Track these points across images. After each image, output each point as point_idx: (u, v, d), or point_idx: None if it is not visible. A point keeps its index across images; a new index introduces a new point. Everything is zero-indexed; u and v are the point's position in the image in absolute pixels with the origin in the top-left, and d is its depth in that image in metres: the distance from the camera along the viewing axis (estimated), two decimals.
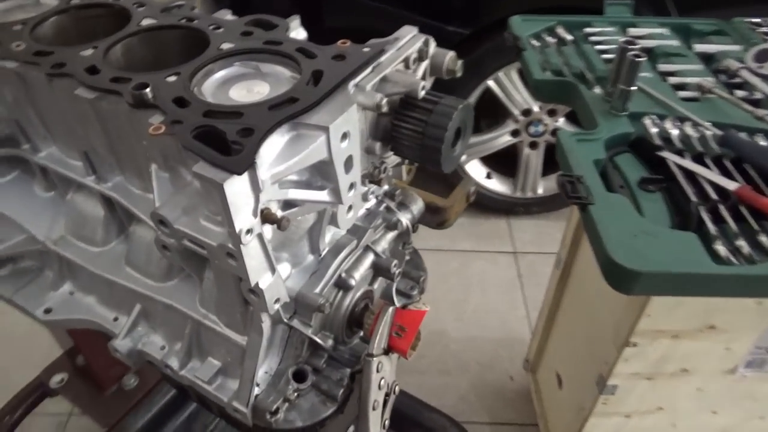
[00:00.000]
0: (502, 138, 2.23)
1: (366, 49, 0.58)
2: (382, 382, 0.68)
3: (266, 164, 0.49)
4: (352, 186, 0.58)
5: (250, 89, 0.57)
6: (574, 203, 0.82)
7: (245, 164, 0.45)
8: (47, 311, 0.74)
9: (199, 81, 0.57)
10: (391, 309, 0.68)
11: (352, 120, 0.52)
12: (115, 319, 0.73)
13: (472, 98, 2.09)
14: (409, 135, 0.60)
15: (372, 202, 0.74)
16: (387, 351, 0.68)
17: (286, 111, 0.50)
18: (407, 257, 0.79)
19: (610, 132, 0.96)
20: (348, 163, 0.55)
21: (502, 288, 2.21)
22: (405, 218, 0.75)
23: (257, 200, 0.48)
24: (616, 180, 0.90)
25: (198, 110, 0.50)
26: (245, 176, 0.46)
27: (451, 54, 0.65)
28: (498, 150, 2.24)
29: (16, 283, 0.77)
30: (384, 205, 0.74)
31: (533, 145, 2.22)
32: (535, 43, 1.22)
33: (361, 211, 0.72)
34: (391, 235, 0.73)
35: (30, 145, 0.69)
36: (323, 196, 0.55)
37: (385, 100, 0.55)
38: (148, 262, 0.67)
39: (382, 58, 0.58)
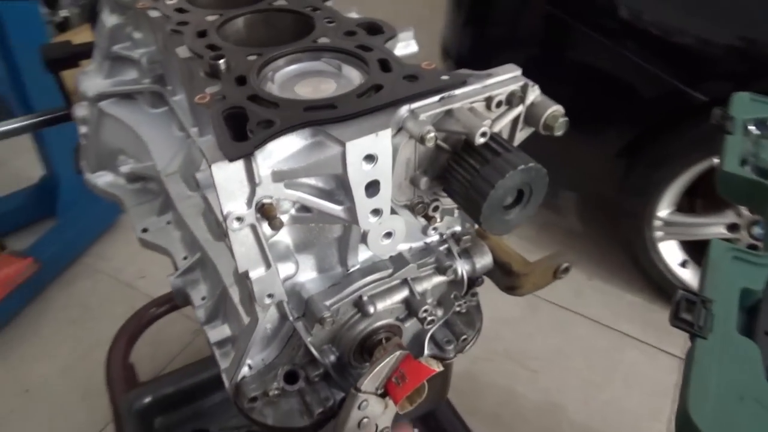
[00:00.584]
0: (715, 228, 1.90)
1: (444, 77, 0.53)
2: (365, 421, 0.63)
3: (273, 160, 0.48)
4: (377, 212, 0.54)
5: (317, 87, 0.56)
6: (680, 327, 0.65)
7: (240, 153, 0.45)
8: (144, 230, 0.84)
9: (278, 67, 0.58)
10: (399, 353, 0.62)
11: (382, 144, 0.49)
12: (184, 258, 0.80)
13: (691, 173, 1.81)
14: (458, 180, 0.53)
15: (433, 238, 0.68)
16: (383, 394, 0.64)
17: (318, 114, 0.49)
18: (459, 309, 0.72)
19: None
20: (372, 187, 0.51)
21: (650, 391, 1.90)
22: (462, 267, 0.68)
23: (253, 192, 0.48)
24: (766, 323, 0.70)
25: (246, 92, 0.52)
26: (239, 165, 0.46)
27: (554, 108, 0.56)
28: (703, 239, 1.91)
29: (138, 198, 0.90)
30: (445, 246, 0.68)
31: (752, 248, 1.83)
32: (753, 129, 0.99)
33: (417, 244, 0.67)
34: (439, 279, 0.67)
35: (171, 87, 0.78)
36: (337, 211, 0.53)
37: (432, 134, 0.49)
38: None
39: (458, 91, 0.53)
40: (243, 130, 0.48)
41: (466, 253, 0.69)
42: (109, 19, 0.83)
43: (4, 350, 2.02)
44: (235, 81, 0.53)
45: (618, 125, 1.99)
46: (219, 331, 0.69)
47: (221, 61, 0.55)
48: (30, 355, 2.02)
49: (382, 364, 0.61)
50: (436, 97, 0.52)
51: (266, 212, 0.49)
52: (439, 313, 0.72)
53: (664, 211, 1.94)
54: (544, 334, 2.08)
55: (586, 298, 2.20)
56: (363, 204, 0.52)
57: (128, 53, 0.82)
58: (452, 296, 0.70)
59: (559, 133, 0.57)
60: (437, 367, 0.62)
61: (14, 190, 2.46)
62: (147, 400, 1.33)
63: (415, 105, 0.51)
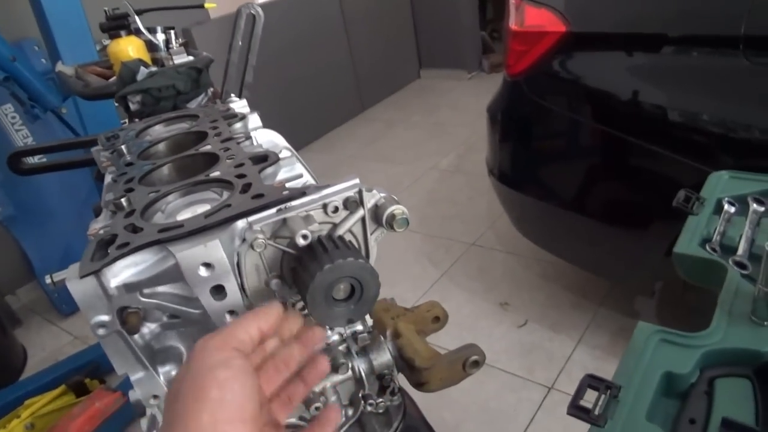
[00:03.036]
0: None
1: (285, 192, 0.62)
2: None
3: (126, 274, 0.58)
4: (234, 313, 0.61)
5: (195, 212, 0.67)
6: (575, 416, 0.61)
7: (88, 270, 0.55)
8: None
9: (173, 199, 0.71)
10: None
11: (214, 252, 0.57)
12: None
13: None
14: (295, 277, 0.59)
15: (334, 338, 0.73)
16: None
17: (167, 234, 0.59)
18: (373, 409, 0.73)
19: (725, 342, 0.67)
20: (218, 291, 0.59)
21: None
22: (360, 366, 0.71)
23: (110, 302, 0.57)
24: (692, 410, 0.63)
25: (126, 222, 0.64)
26: (91, 280, 0.56)
27: (394, 207, 0.62)
28: None
29: None
30: (345, 345, 0.72)
31: None
32: (727, 207, 0.94)
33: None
34: (336, 377, 0.70)
35: None
36: (195, 315, 0.60)
37: (259, 240, 0.57)
38: None
39: (295, 202, 0.61)
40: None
41: (364, 351, 0.72)
42: (106, 178, 1.03)
43: None
44: (125, 215, 0.66)
45: (664, 223, 1.90)
46: None
47: (123, 200, 0.68)
48: None
49: None
50: (274, 210, 0.61)
51: (125, 319, 0.58)
52: (350, 412, 0.73)
53: None
54: None
55: None
56: (212, 306, 0.59)
57: None
58: (360, 395, 0.72)
59: (399, 229, 0.63)
60: None
61: None
62: None
63: (253, 218, 0.60)
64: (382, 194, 0.64)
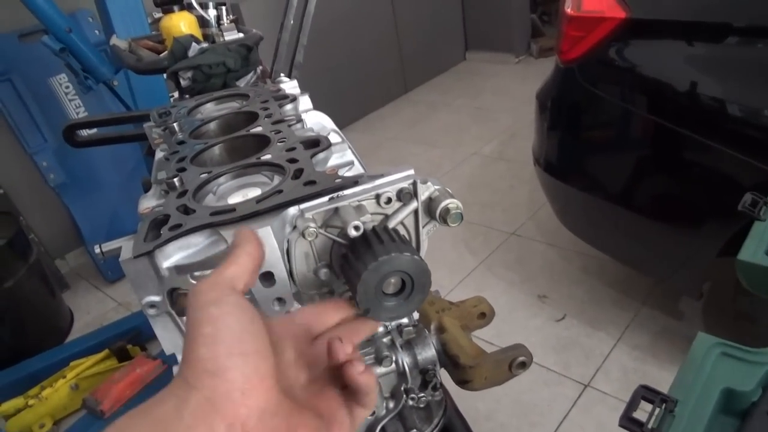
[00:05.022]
0: None
1: (338, 180, 0.61)
2: None
3: (178, 256, 0.58)
4: (281, 301, 0.60)
5: (245, 195, 0.67)
6: (628, 428, 0.59)
7: (141, 251, 0.56)
8: None
9: (225, 181, 0.70)
10: None
11: (263, 239, 0.56)
12: None
13: None
14: (344, 268, 0.58)
15: (378, 329, 0.72)
16: None
17: (219, 218, 0.58)
18: (414, 403, 0.72)
19: None
20: (267, 279, 0.58)
21: None
22: (404, 359, 0.69)
23: (161, 283, 0.58)
24: (752, 431, 0.59)
25: (178, 203, 0.64)
26: (144, 260, 0.56)
27: (448, 201, 0.60)
28: None
29: None
30: (389, 337, 0.71)
31: None
32: None
33: None
34: (380, 369, 0.69)
35: None
36: None
37: (311, 229, 0.56)
38: None
39: (347, 191, 0.60)
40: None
41: (409, 345, 0.71)
42: (157, 154, 1.04)
43: None
44: (177, 195, 0.66)
45: (718, 222, 1.82)
46: None
47: (175, 180, 0.68)
48: None
49: None
50: (326, 198, 0.59)
51: (175, 300, 0.58)
52: (391, 405, 0.73)
53: None
54: None
55: None
56: (260, 293, 0.59)
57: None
58: (402, 389, 0.71)
59: (453, 224, 0.61)
60: None
61: None
62: None
63: (305, 205, 0.59)
64: (437, 186, 0.62)
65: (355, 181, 0.60)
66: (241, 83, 1.32)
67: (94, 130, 2.50)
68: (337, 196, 0.60)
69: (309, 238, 0.57)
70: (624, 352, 2.23)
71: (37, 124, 3.00)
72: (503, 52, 5.32)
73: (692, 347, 0.67)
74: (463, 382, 0.71)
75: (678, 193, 1.93)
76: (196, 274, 0.59)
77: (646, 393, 0.62)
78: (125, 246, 0.58)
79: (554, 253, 2.83)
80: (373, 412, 0.69)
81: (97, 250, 0.84)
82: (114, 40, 1.55)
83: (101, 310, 3.09)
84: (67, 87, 3.03)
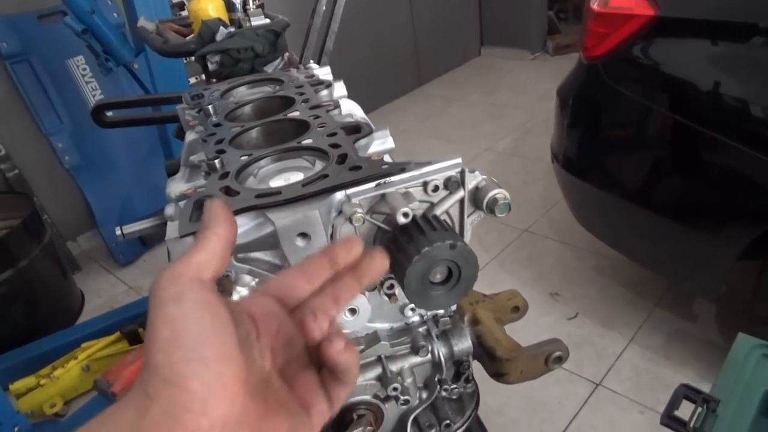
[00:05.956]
0: None
1: (384, 166, 0.60)
2: None
3: None
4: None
5: (288, 179, 0.66)
6: (670, 427, 0.58)
7: (188, 231, 0.55)
8: None
9: (266, 164, 0.70)
10: (367, 429, 0.64)
11: (312, 223, 0.56)
12: None
13: None
14: (391, 256, 0.57)
15: (414, 319, 0.71)
16: None
17: (264, 200, 0.58)
18: (447, 394, 0.71)
19: None
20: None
21: None
22: (440, 350, 0.69)
23: None
24: None
25: (221, 185, 0.63)
26: (189, 240, 0.56)
27: (496, 191, 0.59)
28: None
29: None
30: (425, 327, 0.71)
31: None
32: None
33: (398, 324, 0.71)
34: (415, 359, 0.69)
35: None
36: None
37: (358, 215, 0.55)
38: None
39: (394, 178, 0.59)
40: None
41: (445, 336, 0.70)
42: (188, 136, 1.04)
43: None
44: (220, 177, 0.65)
45: (739, 225, 1.81)
46: None
47: (216, 161, 0.68)
48: None
49: None
50: (372, 184, 0.59)
51: (218, 281, 0.58)
52: (424, 395, 0.72)
53: None
54: None
55: None
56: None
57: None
58: (436, 379, 0.71)
59: (501, 214, 0.60)
60: None
61: None
62: None
63: (351, 190, 0.58)
64: (484, 176, 0.61)
65: (402, 168, 0.60)
66: (269, 69, 1.31)
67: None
68: (384, 183, 0.59)
69: (356, 224, 0.56)
70: (636, 353, 2.22)
71: (53, 106, 3.00)
72: (519, 48, 5.28)
73: (733, 348, 0.67)
74: (498, 375, 0.71)
75: (699, 195, 1.91)
76: (240, 256, 0.59)
77: (688, 392, 0.61)
78: (171, 226, 0.58)
79: (567, 251, 2.81)
80: (407, 401, 0.68)
81: (118, 232, 0.84)
82: (142, 22, 1.54)
83: (112, 293, 3.10)
84: (84, 69, 3.03)
